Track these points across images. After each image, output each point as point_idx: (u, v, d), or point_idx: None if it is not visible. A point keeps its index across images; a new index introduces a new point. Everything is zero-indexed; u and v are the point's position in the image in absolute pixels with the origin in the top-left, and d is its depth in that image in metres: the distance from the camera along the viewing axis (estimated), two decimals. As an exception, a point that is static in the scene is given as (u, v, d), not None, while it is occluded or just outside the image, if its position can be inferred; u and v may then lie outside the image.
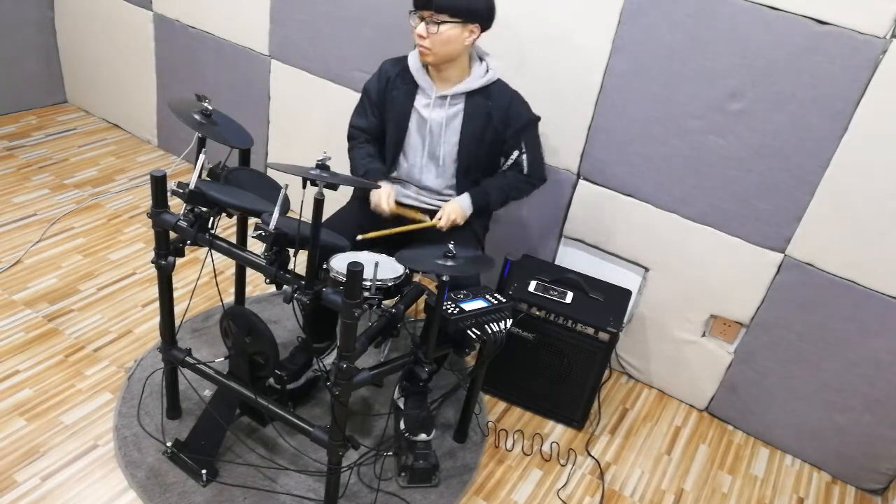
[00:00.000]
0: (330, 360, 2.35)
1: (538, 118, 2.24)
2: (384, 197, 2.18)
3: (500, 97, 2.17)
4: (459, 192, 2.26)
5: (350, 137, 2.32)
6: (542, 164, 2.30)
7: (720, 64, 2.12)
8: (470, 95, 2.16)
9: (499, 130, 2.19)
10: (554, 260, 2.68)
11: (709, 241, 2.35)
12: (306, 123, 3.11)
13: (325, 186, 1.58)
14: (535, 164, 2.26)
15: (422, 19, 2.00)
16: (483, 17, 2.05)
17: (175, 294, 2.02)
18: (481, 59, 2.18)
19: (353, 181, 1.84)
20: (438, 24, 1.98)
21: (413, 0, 2.01)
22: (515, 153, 2.23)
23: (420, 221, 2.21)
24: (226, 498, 1.95)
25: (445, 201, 2.27)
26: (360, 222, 2.26)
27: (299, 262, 1.70)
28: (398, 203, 2.26)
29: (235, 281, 2.44)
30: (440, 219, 2.18)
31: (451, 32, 2.00)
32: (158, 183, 1.77)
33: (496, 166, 2.29)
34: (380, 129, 2.28)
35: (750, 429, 2.55)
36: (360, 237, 2.09)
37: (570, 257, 2.66)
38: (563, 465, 2.28)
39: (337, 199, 2.51)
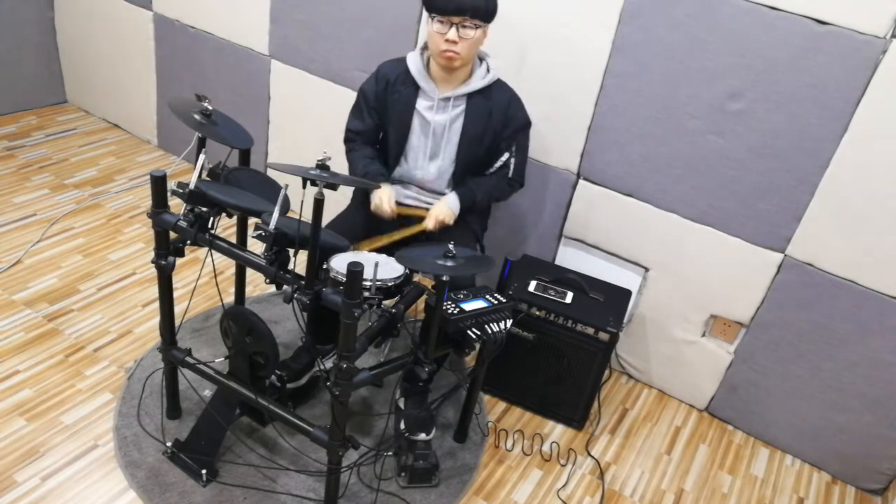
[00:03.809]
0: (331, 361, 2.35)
1: (531, 123, 2.26)
2: (385, 199, 2.18)
3: (499, 97, 2.19)
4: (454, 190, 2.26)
5: (347, 140, 2.32)
6: (524, 168, 2.31)
7: (720, 64, 2.12)
8: (471, 96, 2.17)
9: (497, 131, 2.20)
10: (554, 260, 2.68)
11: (709, 241, 2.35)
12: (306, 123, 3.11)
13: (325, 186, 1.58)
14: (519, 168, 2.29)
15: (451, 24, 2.00)
16: (494, 17, 2.09)
17: (175, 294, 2.02)
18: (481, 60, 2.20)
19: (354, 181, 1.84)
20: (475, 28, 2.01)
21: (437, 6, 2.00)
22: (506, 155, 2.26)
23: (421, 219, 2.22)
24: (226, 498, 1.95)
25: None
26: (361, 223, 2.26)
27: (299, 262, 1.70)
28: (399, 203, 2.27)
29: (235, 281, 2.45)
30: (429, 222, 2.19)
31: (479, 36, 2.05)
32: (158, 183, 1.77)
33: (490, 165, 2.29)
34: (377, 131, 2.28)
35: (750, 429, 2.55)
36: (353, 247, 2.06)
37: (570, 257, 2.66)
38: (563, 465, 2.28)
39: (336, 200, 2.51)
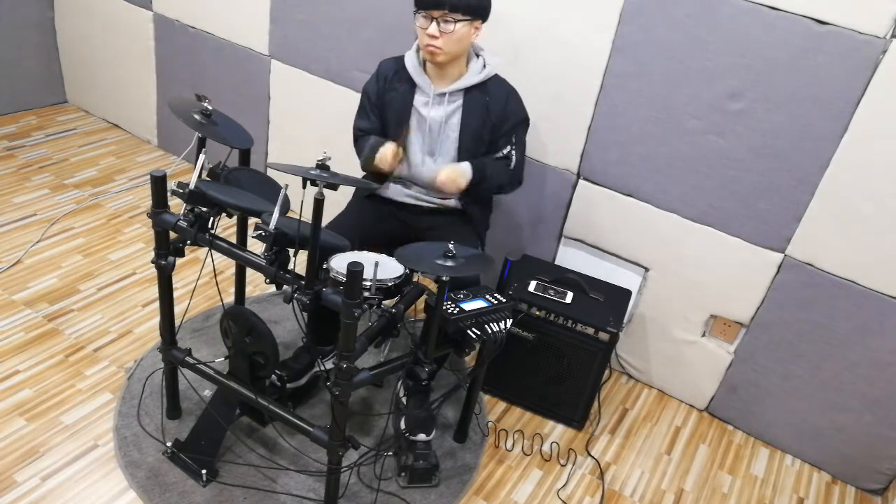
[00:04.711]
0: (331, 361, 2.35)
1: (529, 119, 2.24)
2: (390, 151, 2.13)
3: (497, 92, 2.17)
4: None
5: (355, 139, 2.32)
6: (523, 166, 2.27)
7: (720, 64, 2.12)
8: (468, 91, 2.16)
9: (496, 125, 2.19)
10: (554, 260, 2.68)
11: (709, 241, 2.35)
12: (306, 123, 3.11)
13: (325, 186, 1.58)
14: (519, 164, 2.25)
15: (431, 19, 2.00)
16: (487, 12, 2.08)
17: (175, 294, 2.02)
18: (477, 55, 2.19)
19: (354, 181, 1.84)
20: (454, 22, 1.99)
21: (418, 1, 2.01)
22: (507, 148, 2.21)
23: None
24: (226, 498, 1.95)
25: (445, 198, 2.27)
26: (362, 223, 2.26)
27: (299, 262, 1.70)
28: (403, 203, 2.27)
29: (235, 281, 2.44)
30: (440, 174, 2.11)
31: (463, 31, 2.02)
32: (158, 183, 1.77)
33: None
34: (382, 129, 2.28)
35: (750, 429, 2.55)
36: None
37: (570, 257, 2.66)
38: (563, 465, 2.28)
39: (337, 200, 2.51)
